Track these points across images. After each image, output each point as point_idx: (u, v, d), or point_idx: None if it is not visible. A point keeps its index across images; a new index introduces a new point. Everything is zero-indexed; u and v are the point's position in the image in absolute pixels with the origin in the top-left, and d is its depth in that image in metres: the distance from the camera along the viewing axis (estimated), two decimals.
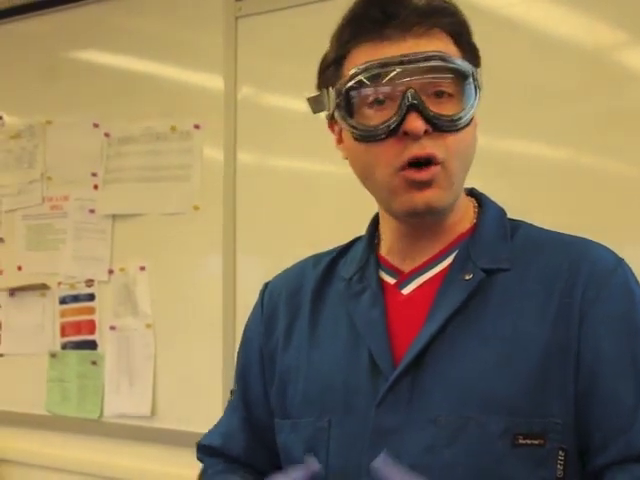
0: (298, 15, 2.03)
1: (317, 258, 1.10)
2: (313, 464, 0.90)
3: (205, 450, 1.14)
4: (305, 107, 1.36)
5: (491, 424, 0.89)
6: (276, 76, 2.13)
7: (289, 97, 2.14)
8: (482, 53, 0.98)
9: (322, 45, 1.00)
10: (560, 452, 0.88)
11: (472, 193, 1.02)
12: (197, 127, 2.20)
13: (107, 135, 2.39)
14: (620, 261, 0.93)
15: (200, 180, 2.23)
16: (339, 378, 0.97)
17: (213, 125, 2.18)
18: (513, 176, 1.68)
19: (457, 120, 0.89)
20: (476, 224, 0.99)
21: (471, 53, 0.95)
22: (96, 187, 2.42)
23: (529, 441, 0.88)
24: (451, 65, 0.88)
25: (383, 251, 1.01)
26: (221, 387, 2.09)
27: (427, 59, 0.87)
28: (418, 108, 0.86)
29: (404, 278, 0.99)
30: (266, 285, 1.13)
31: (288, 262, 1.16)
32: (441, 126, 0.87)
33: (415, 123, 0.86)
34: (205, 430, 1.40)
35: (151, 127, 2.30)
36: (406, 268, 0.98)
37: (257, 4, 2.09)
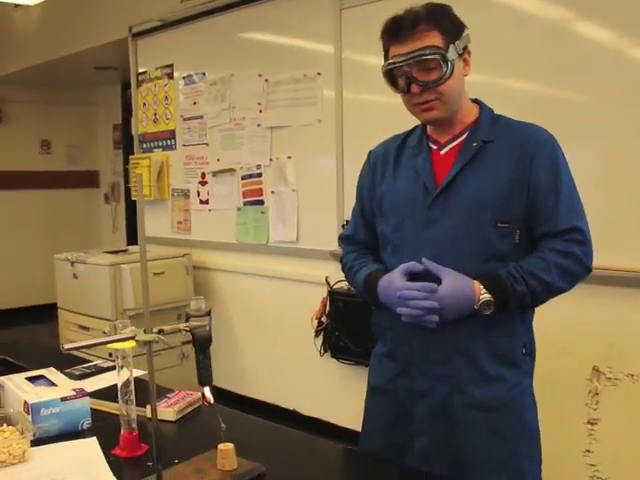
0: (378, 8, 2.52)
1: (397, 136, 1.35)
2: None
3: (344, 239, 1.39)
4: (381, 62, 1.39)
5: (484, 215, 1.16)
6: (364, 45, 2.61)
7: (373, 57, 1.89)
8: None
9: None
10: (517, 230, 1.16)
11: (475, 100, 1.28)
12: (319, 74, 2.86)
13: (266, 81, 3.10)
14: (552, 136, 1.20)
15: (321, 105, 2.86)
16: (408, 196, 1.23)
17: (329, 74, 2.81)
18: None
19: (438, 81, 1.15)
20: (478, 118, 1.24)
21: (452, 34, 1.15)
22: (261, 111, 3.14)
23: (502, 225, 1.16)
24: (431, 56, 1.13)
25: (429, 131, 1.27)
26: (335, 219, 2.77)
27: (419, 55, 1.14)
28: (414, 80, 1.16)
29: (441, 145, 1.24)
30: (370, 151, 1.37)
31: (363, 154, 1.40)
32: (428, 86, 1.15)
33: (413, 89, 1.17)
34: (327, 247, 2.21)
35: (292, 75, 2.97)
36: (441, 140, 1.24)
37: (355, 1, 2.69)
